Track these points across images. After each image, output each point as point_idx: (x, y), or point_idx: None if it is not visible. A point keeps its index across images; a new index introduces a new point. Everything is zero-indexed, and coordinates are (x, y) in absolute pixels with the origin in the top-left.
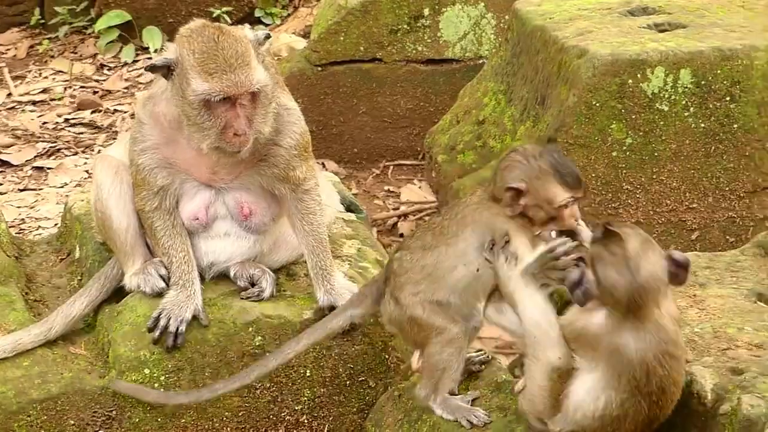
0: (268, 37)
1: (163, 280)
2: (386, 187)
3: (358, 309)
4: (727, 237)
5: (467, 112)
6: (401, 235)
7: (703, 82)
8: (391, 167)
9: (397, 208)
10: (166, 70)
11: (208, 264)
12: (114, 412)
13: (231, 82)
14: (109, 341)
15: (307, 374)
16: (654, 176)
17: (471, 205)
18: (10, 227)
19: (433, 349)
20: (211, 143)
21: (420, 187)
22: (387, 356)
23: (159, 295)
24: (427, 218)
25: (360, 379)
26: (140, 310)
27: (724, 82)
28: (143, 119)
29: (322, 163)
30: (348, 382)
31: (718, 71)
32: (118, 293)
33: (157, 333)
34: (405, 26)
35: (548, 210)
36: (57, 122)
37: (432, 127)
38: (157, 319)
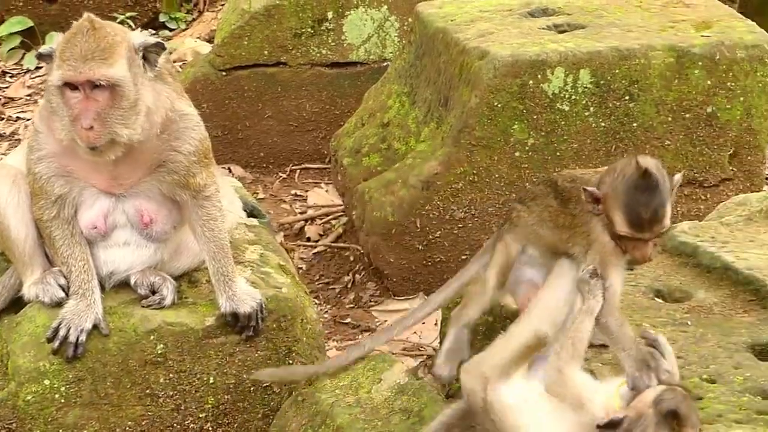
0: (160, 45)
1: (63, 289)
2: (293, 191)
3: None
4: None
5: (372, 114)
6: (308, 239)
7: (602, 82)
8: (298, 171)
9: (304, 212)
10: (50, 57)
11: (108, 273)
12: (14, 425)
13: (74, 70)
14: (7, 352)
15: (211, 381)
16: None
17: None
18: None
19: None
20: (66, 134)
21: (327, 191)
22: (291, 361)
23: (58, 305)
24: (333, 222)
25: (264, 385)
26: (39, 321)
27: (623, 82)
28: (39, 127)
29: (228, 168)
30: (252, 388)
31: (617, 71)
32: (17, 304)
33: (56, 343)
34: (309, 30)
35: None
36: None
37: (337, 131)
38: (57, 329)
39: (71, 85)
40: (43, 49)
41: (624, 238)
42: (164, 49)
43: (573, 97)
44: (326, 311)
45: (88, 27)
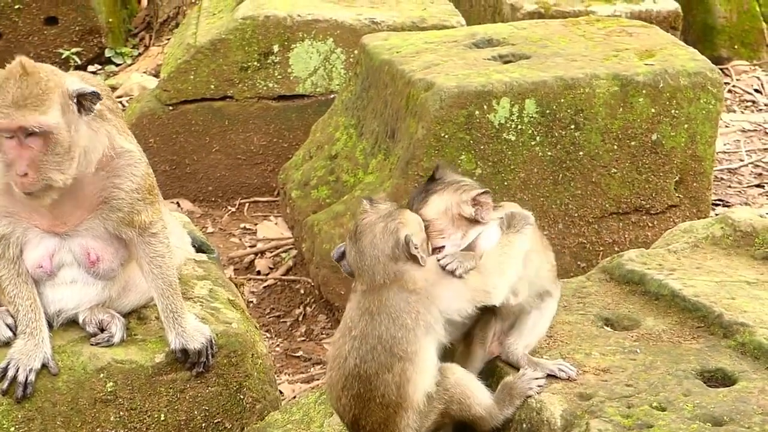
0: (95, 94)
1: (10, 329)
2: (242, 225)
3: None
4: (578, 262)
5: (320, 147)
6: (258, 273)
7: (547, 111)
8: (247, 204)
9: (254, 245)
10: None
11: (56, 311)
12: None
13: (6, 117)
14: None
15: (162, 418)
16: None
17: None
18: None
19: None
20: (1, 178)
21: (276, 224)
22: (242, 396)
23: (6, 344)
24: (283, 255)
25: (215, 420)
26: None
27: (568, 111)
28: None
29: (177, 203)
30: (203, 425)
31: (562, 100)
32: None
33: (5, 384)
34: (255, 63)
35: None
36: None
37: (285, 163)
38: (5, 369)
39: (5, 132)
40: None
41: None
42: (100, 98)
43: (519, 126)
44: (278, 344)
45: (21, 72)
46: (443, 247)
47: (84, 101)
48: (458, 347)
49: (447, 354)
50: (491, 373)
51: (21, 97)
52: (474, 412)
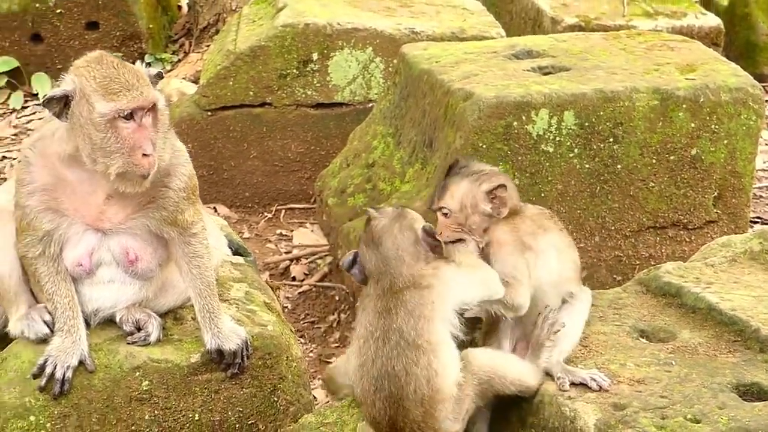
0: (159, 75)
1: (48, 326)
2: (278, 231)
3: None
4: (614, 276)
5: (357, 155)
6: (293, 279)
7: (586, 124)
8: (283, 211)
9: (290, 252)
10: (62, 104)
11: (93, 310)
12: None
13: (134, 96)
14: None
15: (196, 418)
16: None
17: None
18: None
19: None
20: (119, 167)
21: (312, 231)
22: (276, 399)
23: (43, 341)
24: (319, 261)
25: (249, 422)
26: (25, 357)
27: (607, 124)
28: (31, 160)
29: (214, 208)
30: (237, 426)
31: (601, 113)
32: (2, 340)
33: (43, 380)
34: (294, 71)
35: None
36: None
37: (322, 171)
38: (43, 366)
39: (124, 116)
40: (53, 92)
41: None
42: (162, 78)
43: (557, 138)
44: (311, 350)
45: (116, 62)
46: (461, 240)
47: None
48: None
49: None
50: None
51: (132, 78)
52: (514, 383)
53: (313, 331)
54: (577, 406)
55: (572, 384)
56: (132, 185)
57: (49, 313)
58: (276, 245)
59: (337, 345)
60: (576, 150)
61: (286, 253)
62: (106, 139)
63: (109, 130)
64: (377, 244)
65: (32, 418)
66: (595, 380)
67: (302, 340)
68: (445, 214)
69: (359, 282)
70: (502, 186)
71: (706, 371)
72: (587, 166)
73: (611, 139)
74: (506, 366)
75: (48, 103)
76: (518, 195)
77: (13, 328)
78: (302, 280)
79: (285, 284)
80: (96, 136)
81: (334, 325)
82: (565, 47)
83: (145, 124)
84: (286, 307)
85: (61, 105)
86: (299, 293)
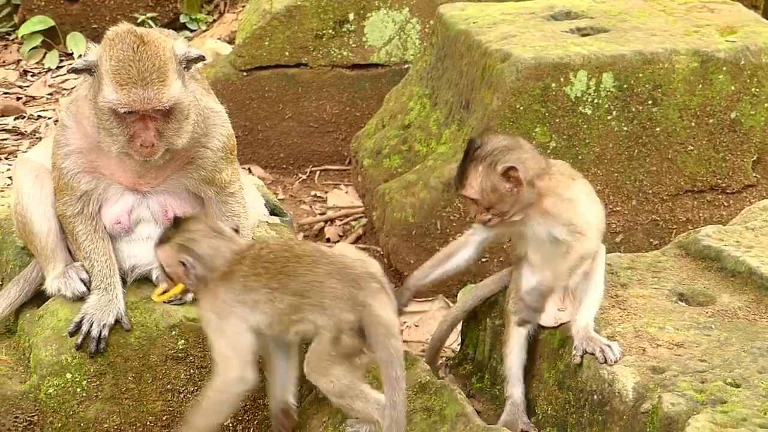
0: (201, 58)
1: (84, 284)
2: (313, 192)
3: None
4: (651, 240)
5: (393, 116)
6: (328, 240)
7: (625, 86)
8: (318, 172)
9: (324, 213)
10: (88, 73)
11: (130, 267)
12: (36, 417)
13: (138, 98)
14: (30, 346)
15: None
16: None
17: None
18: None
19: None
20: (118, 149)
21: (347, 192)
22: None
23: (80, 299)
24: (353, 223)
25: None
26: (61, 314)
27: (646, 86)
28: (67, 122)
29: (248, 169)
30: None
31: (640, 75)
32: (39, 297)
33: (79, 338)
34: (330, 31)
35: None
36: None
37: (358, 132)
38: (79, 324)
39: (126, 112)
40: (77, 63)
41: None
42: (204, 60)
43: (596, 100)
44: None
45: (138, 43)
46: (490, 219)
47: (189, 64)
48: None
49: None
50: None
51: (145, 72)
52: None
53: None
54: (615, 369)
55: (584, 353)
56: (136, 162)
57: (86, 271)
58: (310, 206)
59: None
60: (614, 112)
61: (320, 214)
62: (108, 122)
63: (112, 116)
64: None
65: (68, 375)
66: (603, 352)
67: None
68: (472, 200)
69: None
70: (512, 168)
71: (745, 335)
72: (625, 128)
73: (650, 102)
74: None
75: (74, 72)
76: (538, 159)
77: (50, 286)
78: (336, 242)
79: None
80: (100, 115)
81: None
82: (604, 8)
83: (152, 117)
84: None
85: (87, 74)
86: None
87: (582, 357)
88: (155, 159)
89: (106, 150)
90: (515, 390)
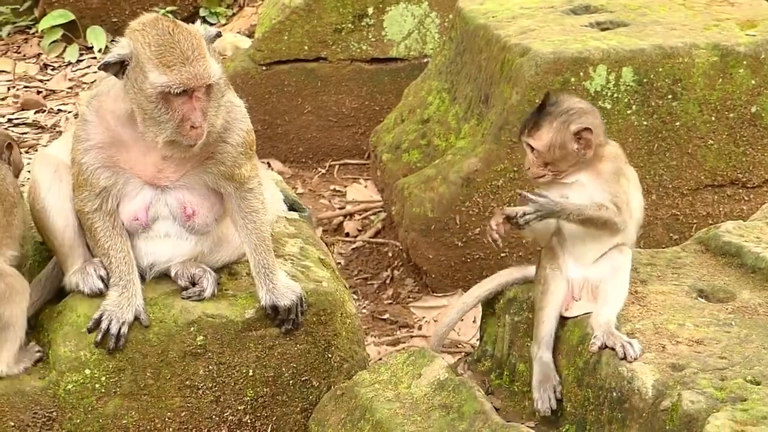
0: (218, 35)
1: (102, 280)
2: (332, 187)
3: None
4: (671, 234)
5: (412, 110)
6: (347, 234)
7: (645, 80)
8: (337, 166)
9: (343, 208)
10: (119, 66)
11: (149, 264)
12: (54, 413)
13: (190, 74)
14: (49, 341)
15: (250, 374)
16: None
17: None
18: None
19: None
20: (167, 136)
21: (366, 186)
22: (330, 355)
23: (98, 295)
24: (372, 217)
25: (303, 378)
26: (80, 310)
27: (666, 80)
28: (88, 117)
29: (268, 163)
30: (291, 382)
31: (660, 69)
32: (58, 293)
33: (99, 335)
34: (349, 25)
35: None
36: (0, 122)
37: (377, 126)
38: (99, 321)
39: (176, 93)
40: (110, 57)
41: None
42: (220, 35)
43: (615, 95)
44: (364, 307)
45: (171, 26)
46: (544, 175)
47: (209, 43)
48: None
49: None
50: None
51: (188, 51)
52: None
53: (366, 287)
54: (635, 367)
55: (604, 347)
56: (180, 151)
57: (104, 267)
58: (329, 201)
59: (390, 302)
60: (634, 106)
61: (339, 208)
62: (156, 109)
63: (160, 101)
64: None
65: (87, 371)
66: (624, 348)
67: (355, 297)
68: (533, 150)
69: None
70: (588, 129)
71: (766, 332)
72: (645, 123)
73: (670, 96)
74: None
75: (105, 67)
76: (604, 129)
77: (69, 282)
78: (355, 236)
79: (338, 240)
80: (146, 105)
81: (387, 281)
82: (623, 2)
83: (197, 96)
84: (339, 263)
85: (118, 67)
86: (352, 249)
87: (600, 348)
88: (199, 144)
89: (150, 140)
90: (545, 353)
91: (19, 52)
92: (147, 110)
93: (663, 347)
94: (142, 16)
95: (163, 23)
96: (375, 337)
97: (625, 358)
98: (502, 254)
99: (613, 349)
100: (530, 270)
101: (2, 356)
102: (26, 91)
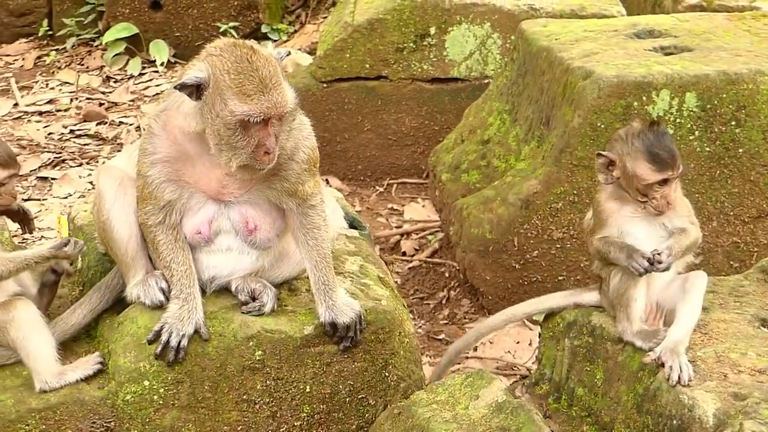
0: (288, 54)
1: (163, 293)
2: (389, 205)
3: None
4: (731, 262)
5: (472, 131)
6: (404, 254)
7: (708, 106)
8: (395, 185)
9: (400, 227)
10: (194, 88)
11: (210, 278)
12: (113, 424)
13: (270, 103)
14: (109, 352)
15: (307, 390)
16: None
17: None
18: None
19: None
20: (241, 161)
21: (423, 206)
22: (387, 374)
23: (158, 307)
24: (429, 237)
25: (360, 396)
26: (141, 322)
27: (730, 107)
28: (156, 131)
29: (326, 180)
30: (347, 399)
31: (724, 95)
32: (119, 304)
33: (159, 348)
34: (411, 44)
35: (639, 186)
36: (62, 133)
37: (436, 146)
38: (159, 333)
39: (256, 122)
40: (186, 79)
41: (649, 187)
42: (289, 54)
43: (678, 120)
44: (420, 326)
45: (250, 53)
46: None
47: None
48: None
49: None
50: None
51: (267, 79)
52: None
53: (422, 307)
54: (696, 395)
55: (660, 363)
56: (250, 174)
57: (166, 280)
58: (387, 219)
59: (446, 322)
60: (696, 132)
61: (396, 227)
62: (233, 136)
63: (238, 128)
64: None
65: (146, 382)
66: (674, 369)
67: (411, 316)
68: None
69: None
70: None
71: None
72: (707, 149)
73: (733, 123)
74: None
75: (181, 88)
76: None
77: (130, 293)
78: (412, 256)
79: (395, 259)
80: (224, 131)
81: (444, 302)
82: (688, 27)
83: (272, 123)
84: (396, 282)
85: (193, 89)
86: (409, 268)
87: (655, 362)
88: (270, 167)
89: (223, 164)
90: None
91: (83, 64)
92: (223, 136)
93: (725, 376)
94: (218, 40)
95: (241, 49)
96: (430, 357)
97: (668, 379)
98: (560, 277)
99: (663, 365)
100: (583, 296)
101: (39, 375)
102: (89, 102)
